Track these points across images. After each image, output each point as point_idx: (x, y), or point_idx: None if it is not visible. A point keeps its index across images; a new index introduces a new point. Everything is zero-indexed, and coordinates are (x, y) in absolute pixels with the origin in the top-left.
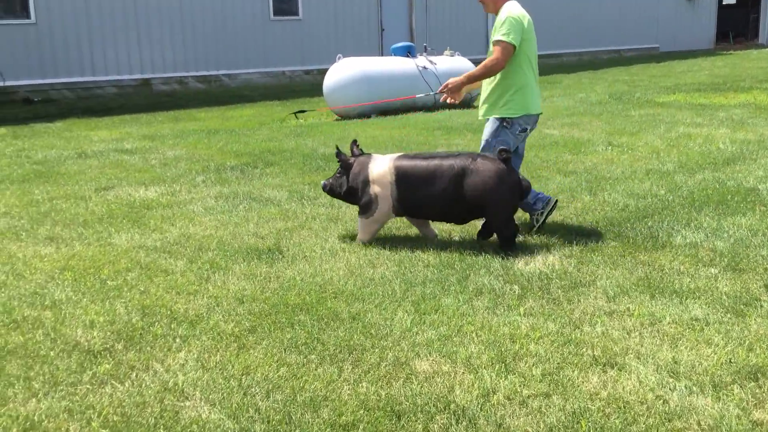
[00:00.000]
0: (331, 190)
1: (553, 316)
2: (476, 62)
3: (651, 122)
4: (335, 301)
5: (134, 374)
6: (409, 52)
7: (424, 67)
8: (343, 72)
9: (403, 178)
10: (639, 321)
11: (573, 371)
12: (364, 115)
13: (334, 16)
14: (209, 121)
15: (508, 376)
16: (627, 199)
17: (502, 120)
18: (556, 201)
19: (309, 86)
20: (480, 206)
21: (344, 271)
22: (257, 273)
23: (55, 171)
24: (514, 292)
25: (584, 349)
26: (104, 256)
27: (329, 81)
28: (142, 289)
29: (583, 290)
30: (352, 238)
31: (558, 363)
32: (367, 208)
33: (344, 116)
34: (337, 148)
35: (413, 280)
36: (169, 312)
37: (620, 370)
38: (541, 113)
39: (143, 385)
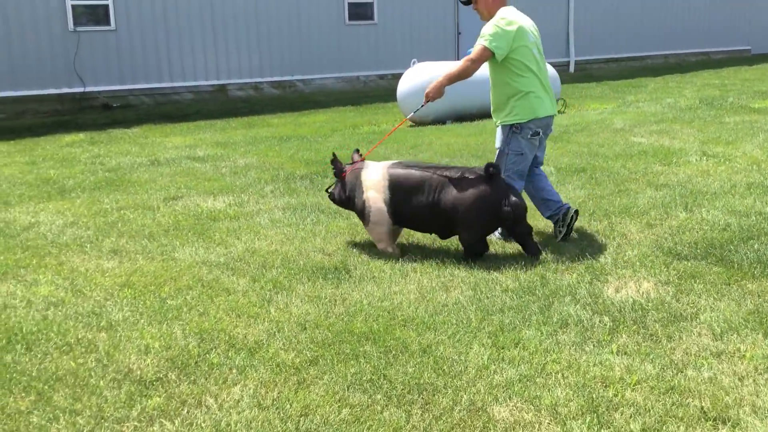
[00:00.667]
0: (333, 199)
1: (651, 356)
2: (555, 65)
3: (748, 130)
4: (404, 330)
5: (185, 410)
6: None
7: None
8: (417, 77)
9: (396, 186)
10: (753, 365)
11: (678, 427)
12: (439, 121)
13: (410, 20)
14: (282, 128)
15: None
16: (728, 217)
17: (511, 126)
18: (576, 211)
19: (383, 91)
20: (454, 221)
21: (415, 295)
22: (322, 295)
23: (126, 179)
24: (605, 324)
25: (690, 399)
26: (166, 272)
27: (403, 86)
28: (202, 310)
29: (684, 325)
30: (424, 256)
31: (660, 416)
32: (362, 214)
33: (419, 122)
34: (334, 155)
35: (490, 307)
36: (227, 337)
37: (734, 427)
38: (554, 115)
39: (194, 424)
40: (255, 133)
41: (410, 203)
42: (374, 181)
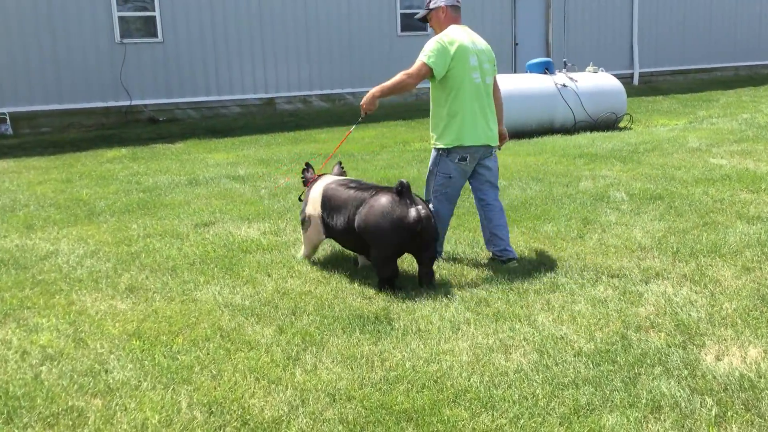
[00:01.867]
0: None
1: None
2: (619, 77)
3: None
4: (455, 408)
5: None
6: (546, 68)
7: (564, 85)
8: None
9: (326, 202)
10: None
11: None
12: None
13: None
14: (329, 144)
15: None
16: None
17: (438, 149)
18: (516, 264)
19: None
20: (366, 239)
21: (468, 357)
22: (358, 353)
23: (159, 201)
24: (708, 408)
25: None
26: (183, 318)
27: None
28: (216, 371)
29: None
30: (480, 302)
31: None
32: (302, 223)
33: None
34: (307, 164)
35: (561, 379)
36: (241, 411)
37: None
38: (488, 146)
39: None
40: (301, 149)
41: (335, 220)
42: (314, 197)
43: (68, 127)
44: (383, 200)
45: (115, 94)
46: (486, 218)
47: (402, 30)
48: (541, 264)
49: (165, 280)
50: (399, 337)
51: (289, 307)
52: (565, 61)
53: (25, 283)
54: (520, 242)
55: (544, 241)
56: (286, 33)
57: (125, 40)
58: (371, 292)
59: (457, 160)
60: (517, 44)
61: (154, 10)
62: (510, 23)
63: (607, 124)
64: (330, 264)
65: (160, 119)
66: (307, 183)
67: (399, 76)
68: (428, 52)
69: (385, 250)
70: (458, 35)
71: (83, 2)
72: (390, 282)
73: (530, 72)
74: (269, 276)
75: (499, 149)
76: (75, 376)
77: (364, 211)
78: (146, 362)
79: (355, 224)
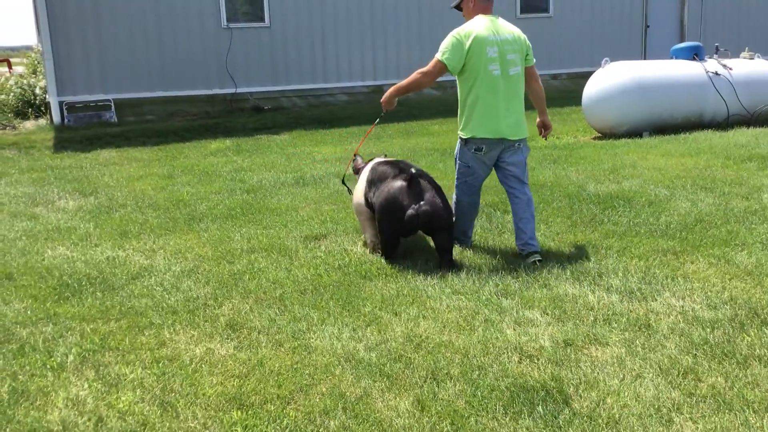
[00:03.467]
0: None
1: None
2: None
3: None
4: None
5: None
6: (695, 54)
7: (716, 73)
8: (610, 79)
9: (371, 181)
10: None
11: None
12: (633, 133)
13: (591, 12)
14: (443, 137)
15: None
16: None
17: (460, 138)
18: (539, 261)
19: (557, 93)
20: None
21: None
22: None
23: (264, 204)
24: None
25: None
26: (295, 375)
27: (592, 90)
28: None
29: None
30: (686, 372)
31: None
32: (357, 213)
33: (608, 133)
34: (355, 154)
35: None
36: None
37: None
38: (503, 138)
39: None
40: (413, 143)
41: (374, 196)
42: (361, 179)
43: (172, 115)
44: (391, 187)
45: (221, 81)
46: (513, 211)
47: (521, 12)
48: (755, 316)
49: (272, 315)
50: (585, 428)
51: (426, 365)
52: (717, 46)
53: (112, 312)
54: (713, 279)
55: (745, 278)
56: (397, 17)
57: (231, 25)
58: (534, 345)
59: (473, 150)
60: (648, 27)
61: None
62: (641, 4)
63: (766, 118)
64: (473, 297)
65: (265, 107)
66: (358, 171)
67: (414, 75)
68: (443, 48)
69: (383, 233)
70: (477, 26)
71: None
72: (387, 257)
73: (675, 58)
74: (396, 315)
75: (546, 139)
76: None
77: (377, 192)
78: None
79: (372, 201)
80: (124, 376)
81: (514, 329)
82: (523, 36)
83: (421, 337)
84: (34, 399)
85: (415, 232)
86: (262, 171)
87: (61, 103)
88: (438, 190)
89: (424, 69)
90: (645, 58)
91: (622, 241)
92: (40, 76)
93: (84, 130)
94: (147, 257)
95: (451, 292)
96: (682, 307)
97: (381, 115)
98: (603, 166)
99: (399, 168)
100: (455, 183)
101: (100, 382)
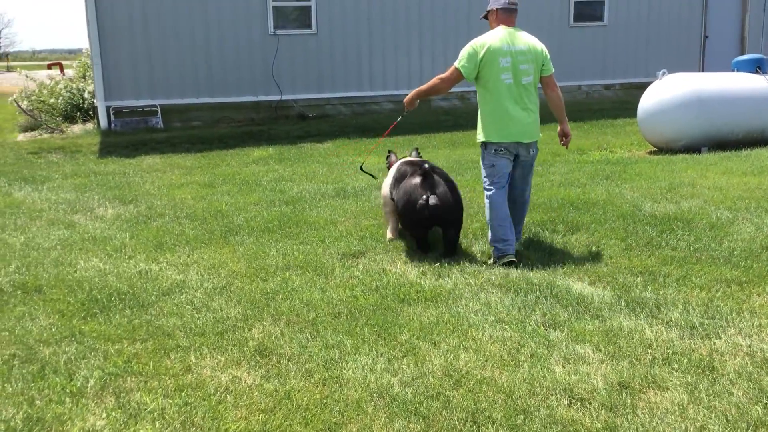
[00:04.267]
0: None
1: None
2: None
3: None
4: None
5: None
6: (759, 66)
7: None
8: (668, 92)
9: (396, 179)
10: None
11: None
12: (691, 148)
13: (647, 22)
14: None
15: None
16: None
17: (480, 142)
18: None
19: (609, 104)
20: None
21: None
22: None
23: (303, 218)
24: None
25: None
26: (324, 411)
27: (648, 102)
28: None
29: None
30: (756, 426)
31: None
32: (384, 204)
33: (664, 148)
34: (389, 151)
35: None
36: None
37: None
38: (518, 142)
39: None
40: (459, 154)
41: (395, 192)
42: (389, 174)
43: (218, 121)
44: (409, 183)
45: (266, 87)
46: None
47: (575, 20)
48: None
49: (303, 341)
50: None
51: (466, 406)
52: None
53: (138, 332)
54: None
55: None
56: (446, 24)
57: (278, 32)
58: (587, 387)
59: (493, 152)
60: (707, 37)
61: (309, 0)
62: (700, 13)
63: None
64: (519, 328)
65: (310, 115)
66: (390, 167)
67: (434, 80)
68: (460, 57)
69: (406, 228)
70: (492, 38)
71: None
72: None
73: (737, 70)
74: (435, 345)
75: (567, 147)
76: None
77: (398, 190)
78: None
79: (394, 196)
80: (145, 406)
81: (564, 366)
82: (541, 47)
83: (461, 372)
84: (49, 428)
85: (430, 223)
86: (303, 181)
87: (108, 108)
88: (451, 184)
89: (443, 75)
90: (702, 70)
91: (681, 269)
92: (89, 81)
93: (130, 136)
94: (180, 272)
95: (495, 320)
96: (750, 346)
97: (403, 114)
98: (660, 184)
99: (418, 167)
100: (484, 187)
101: (120, 411)
